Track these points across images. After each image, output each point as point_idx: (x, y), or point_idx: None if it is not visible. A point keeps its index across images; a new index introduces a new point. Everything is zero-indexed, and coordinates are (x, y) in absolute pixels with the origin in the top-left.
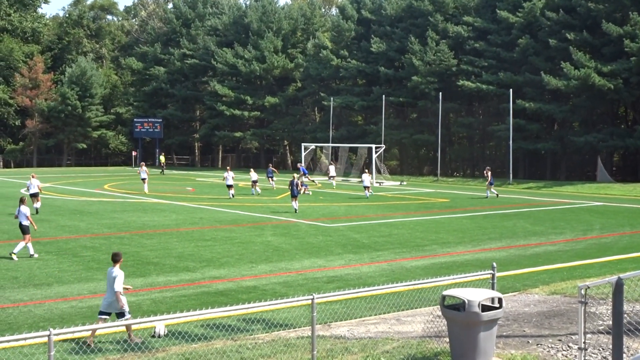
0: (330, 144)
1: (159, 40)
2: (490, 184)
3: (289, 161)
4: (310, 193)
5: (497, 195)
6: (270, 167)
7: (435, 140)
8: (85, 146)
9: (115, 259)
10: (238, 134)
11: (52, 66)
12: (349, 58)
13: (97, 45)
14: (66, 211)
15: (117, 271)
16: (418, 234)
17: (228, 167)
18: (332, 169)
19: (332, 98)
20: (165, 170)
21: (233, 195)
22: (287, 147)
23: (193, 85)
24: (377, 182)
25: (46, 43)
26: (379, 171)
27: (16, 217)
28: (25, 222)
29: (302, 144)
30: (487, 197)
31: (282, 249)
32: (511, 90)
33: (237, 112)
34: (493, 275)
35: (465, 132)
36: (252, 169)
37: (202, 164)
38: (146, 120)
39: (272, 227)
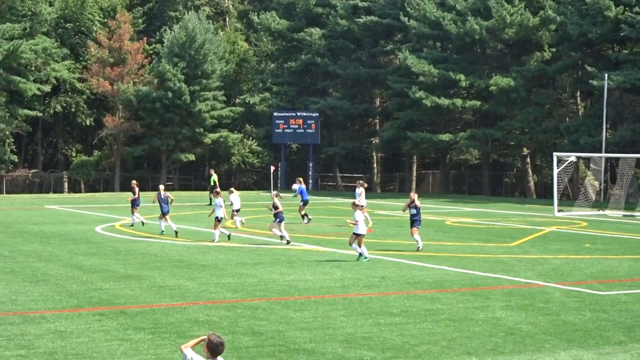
0: (604, 154)
1: None
2: None
3: (531, 182)
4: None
5: None
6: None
7: None
8: (194, 157)
9: (216, 352)
10: (446, 137)
11: (144, 30)
12: (638, 6)
13: None
14: (166, 263)
15: None
16: None
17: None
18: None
19: (606, 75)
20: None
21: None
22: (529, 159)
23: (370, 58)
24: None
25: None
26: None
27: None
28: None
29: (554, 154)
30: None
31: (520, 332)
32: None
33: (443, 101)
34: None
35: None
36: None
37: (384, 187)
38: (293, 115)
39: (502, 293)
